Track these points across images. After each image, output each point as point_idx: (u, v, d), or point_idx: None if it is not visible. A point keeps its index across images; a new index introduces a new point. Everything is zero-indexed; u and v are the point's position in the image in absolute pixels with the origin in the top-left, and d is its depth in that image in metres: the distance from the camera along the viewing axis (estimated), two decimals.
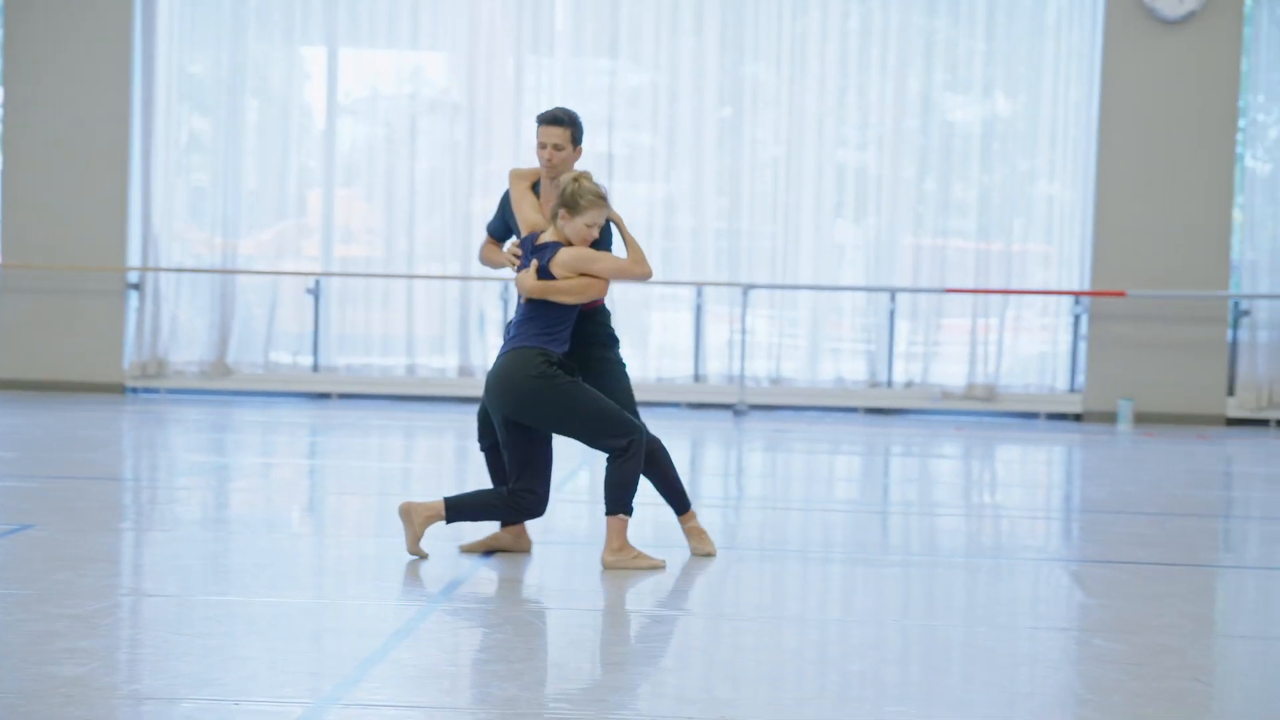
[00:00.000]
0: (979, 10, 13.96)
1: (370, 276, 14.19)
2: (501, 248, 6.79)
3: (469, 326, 14.11)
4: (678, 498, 6.70)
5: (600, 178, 13.73)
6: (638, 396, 13.85)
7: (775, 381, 14.16)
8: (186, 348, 14.26)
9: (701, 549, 6.68)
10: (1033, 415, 14.04)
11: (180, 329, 14.23)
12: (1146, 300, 13.71)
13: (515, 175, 6.65)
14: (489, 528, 6.97)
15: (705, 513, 7.92)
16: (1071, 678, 4.85)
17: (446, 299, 14.17)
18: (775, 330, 14.24)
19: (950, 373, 14.15)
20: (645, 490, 6.84)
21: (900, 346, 14.15)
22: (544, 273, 6.32)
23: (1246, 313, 13.83)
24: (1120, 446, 12.06)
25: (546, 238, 6.40)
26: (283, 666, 4.69)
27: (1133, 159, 13.73)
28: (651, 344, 14.32)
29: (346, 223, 14.43)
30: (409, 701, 4.41)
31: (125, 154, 14.01)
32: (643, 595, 5.96)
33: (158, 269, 14.04)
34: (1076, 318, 14.01)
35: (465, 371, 14.10)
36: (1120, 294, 13.55)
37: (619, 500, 6.35)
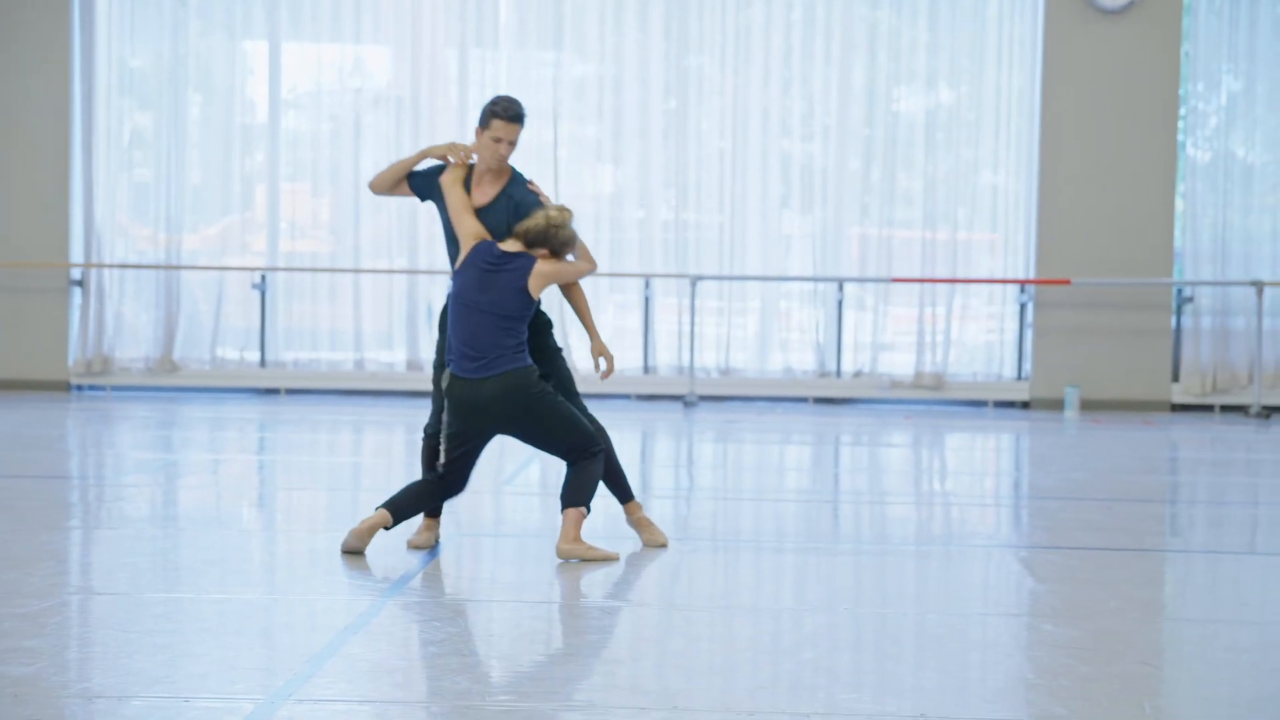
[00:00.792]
0: (921, 1, 14.02)
1: (317, 271, 14.12)
2: (411, 192, 6.61)
3: (417, 321, 14.05)
4: (621, 488, 6.69)
5: (545, 169, 13.72)
6: (588, 389, 13.93)
7: (725, 372, 14.18)
8: (132, 344, 14.14)
9: (654, 540, 6.69)
10: (981, 403, 14.13)
11: (125, 325, 14.11)
12: (1091, 288, 13.81)
13: (449, 182, 6.50)
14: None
15: (656, 504, 7.93)
16: (1021, 663, 4.89)
17: (394, 293, 14.11)
18: (724, 321, 14.26)
19: (898, 362, 14.21)
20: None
21: (848, 336, 14.20)
22: (523, 290, 6.29)
23: (1190, 300, 13.96)
24: (1067, 433, 12.16)
25: (509, 248, 6.35)
26: (234, 663, 4.67)
27: (1075, 147, 13.83)
28: (601, 335, 14.28)
29: (292, 217, 14.35)
30: (361, 696, 4.39)
31: (66, 149, 13.87)
32: (595, 587, 5.96)
33: (101, 265, 13.92)
34: (1022, 306, 14.10)
35: (413, 365, 14.06)
36: (1065, 282, 13.65)
37: (579, 495, 6.36)
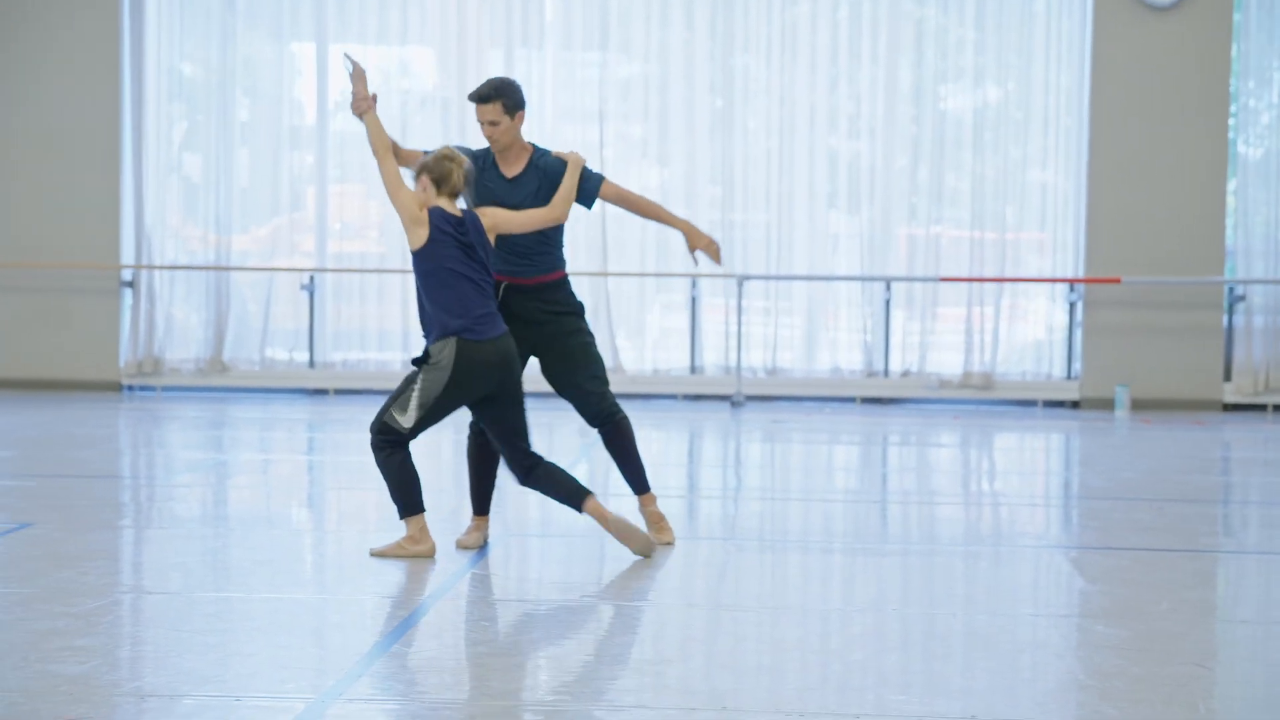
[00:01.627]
0: None
1: (365, 272, 14.18)
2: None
3: None
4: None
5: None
6: (635, 389, 13.97)
7: (772, 372, 14.15)
8: (182, 345, 14.24)
9: (662, 539, 6.66)
10: (1030, 403, 14.05)
11: (175, 326, 14.21)
12: (1141, 286, 13.71)
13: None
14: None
15: (704, 504, 7.93)
16: (1073, 664, 4.85)
17: None
18: (771, 321, 14.23)
19: (947, 361, 14.14)
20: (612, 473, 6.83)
21: (896, 336, 14.15)
22: (484, 240, 6.30)
23: (1242, 298, 13.84)
24: (1117, 433, 12.07)
25: (452, 211, 6.31)
26: (284, 662, 4.69)
27: (1125, 145, 13.73)
28: (648, 336, 14.32)
29: (341, 218, 14.42)
30: (410, 696, 4.41)
31: (117, 151, 13.98)
32: (643, 587, 5.96)
33: (152, 266, 14.03)
34: (1072, 305, 14.01)
35: None
36: (1115, 280, 13.56)
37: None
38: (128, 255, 14.10)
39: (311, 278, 14.15)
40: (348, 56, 6.51)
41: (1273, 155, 13.86)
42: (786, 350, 14.22)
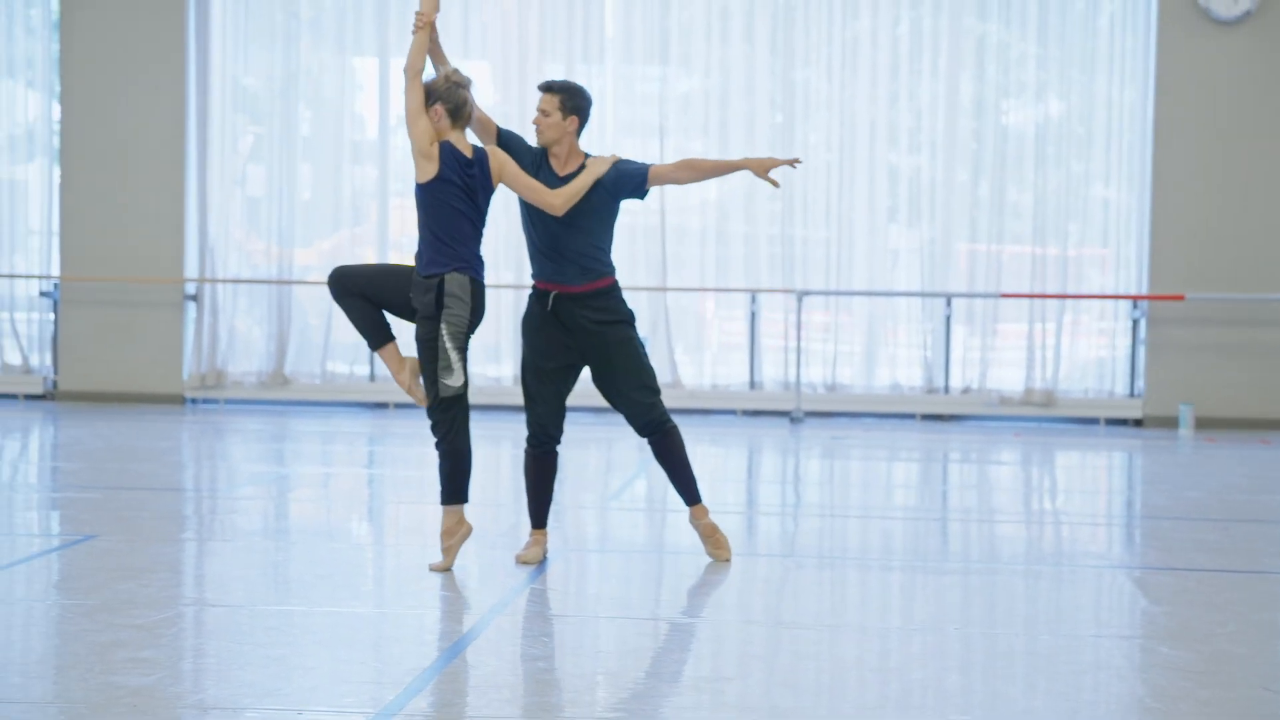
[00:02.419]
0: (1030, 13, 13.88)
1: None
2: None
3: None
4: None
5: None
6: (694, 404, 13.95)
7: (831, 388, 14.11)
8: (244, 358, 14.35)
9: (719, 554, 6.66)
10: (1092, 421, 13.93)
11: (238, 340, 14.32)
12: (1205, 304, 13.58)
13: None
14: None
15: (762, 520, 7.91)
16: (1137, 686, 4.80)
17: (500, 308, 14.18)
18: (830, 337, 14.19)
19: (1008, 378, 14.05)
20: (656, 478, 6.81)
21: (957, 352, 14.07)
22: (488, 183, 6.36)
23: None
24: (1181, 452, 11.96)
25: (462, 147, 6.35)
26: (345, 676, 4.71)
27: (1189, 161, 13.61)
28: (707, 351, 14.30)
29: (402, 232, 14.49)
30: (470, 711, 4.41)
31: (181, 165, 14.12)
32: (700, 604, 5.95)
33: (215, 280, 14.15)
34: (1135, 322, 13.89)
35: (520, 380, 14.10)
36: (1179, 298, 13.44)
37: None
38: (191, 269, 14.23)
39: None
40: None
41: None
42: (846, 366, 14.17)
